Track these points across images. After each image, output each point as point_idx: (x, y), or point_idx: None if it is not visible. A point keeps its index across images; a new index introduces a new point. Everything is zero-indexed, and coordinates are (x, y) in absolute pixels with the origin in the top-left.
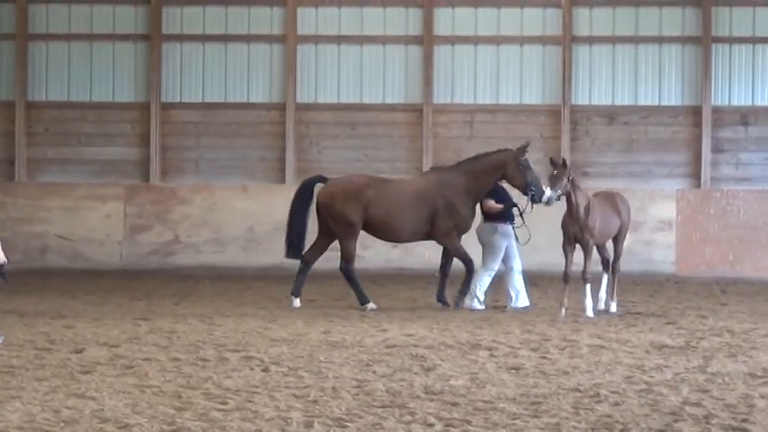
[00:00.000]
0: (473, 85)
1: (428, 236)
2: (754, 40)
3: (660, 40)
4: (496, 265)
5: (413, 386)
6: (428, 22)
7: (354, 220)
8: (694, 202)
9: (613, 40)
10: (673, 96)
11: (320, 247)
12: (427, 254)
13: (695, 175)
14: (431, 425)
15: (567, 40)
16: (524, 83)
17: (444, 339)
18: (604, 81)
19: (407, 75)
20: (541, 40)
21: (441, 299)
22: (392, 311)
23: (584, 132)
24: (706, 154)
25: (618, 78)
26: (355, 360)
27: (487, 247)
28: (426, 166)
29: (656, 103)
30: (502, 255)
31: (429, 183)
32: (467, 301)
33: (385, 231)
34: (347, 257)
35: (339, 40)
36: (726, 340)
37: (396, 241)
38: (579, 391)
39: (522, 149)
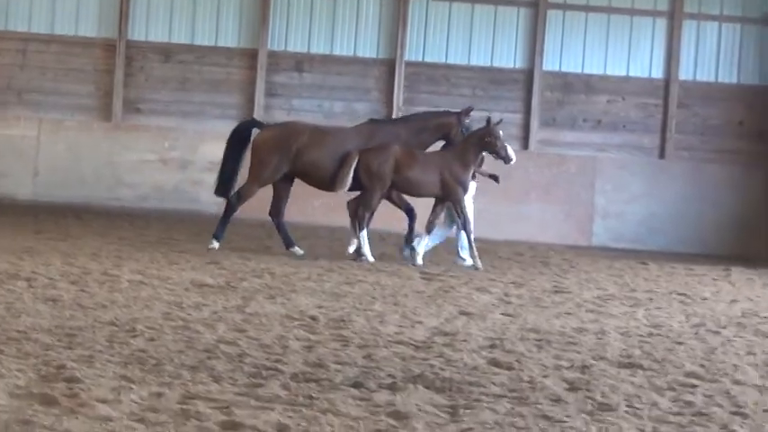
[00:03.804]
0: (28, 13)
1: (359, 187)
2: None
3: None
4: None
5: None
6: None
7: (275, 171)
8: None
9: None
10: (229, 38)
11: (281, 196)
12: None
13: (247, 117)
14: None
15: None
16: (81, 13)
17: None
18: (162, 18)
19: None
20: None
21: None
22: None
23: (138, 68)
24: (259, 97)
25: (175, 17)
26: None
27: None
28: None
29: (213, 44)
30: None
31: (365, 134)
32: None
33: (314, 179)
34: (243, 195)
35: None
36: (266, 282)
37: (326, 190)
38: (115, 325)
39: (467, 112)
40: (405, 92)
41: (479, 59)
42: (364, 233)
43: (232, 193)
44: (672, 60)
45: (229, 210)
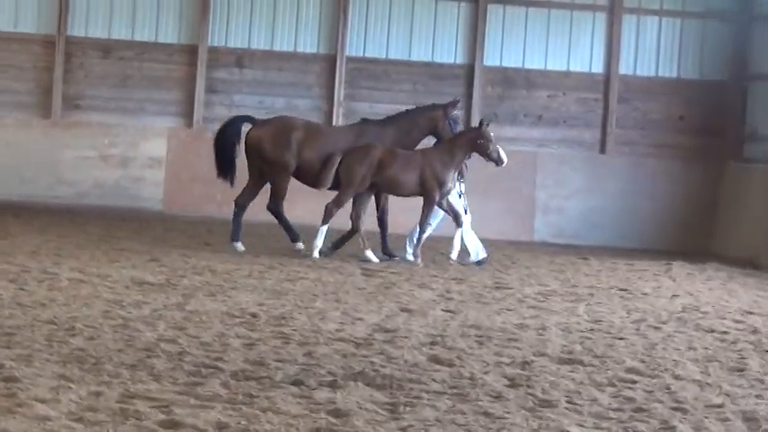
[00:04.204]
0: None
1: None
2: None
3: None
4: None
5: None
6: None
7: (288, 160)
8: (185, 141)
9: None
10: (170, 34)
11: (252, 189)
12: None
13: (188, 114)
14: None
15: None
16: (20, 10)
17: None
18: (101, 14)
19: None
20: None
21: (387, 252)
22: None
23: (78, 65)
24: (200, 94)
25: (115, 13)
26: None
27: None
28: None
29: (153, 40)
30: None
31: (357, 133)
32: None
33: (310, 176)
34: (277, 197)
35: None
36: (207, 279)
37: (318, 187)
38: (54, 323)
39: (453, 105)
40: (345, 87)
41: (420, 55)
42: (325, 228)
43: (234, 177)
44: (612, 55)
45: (279, 216)
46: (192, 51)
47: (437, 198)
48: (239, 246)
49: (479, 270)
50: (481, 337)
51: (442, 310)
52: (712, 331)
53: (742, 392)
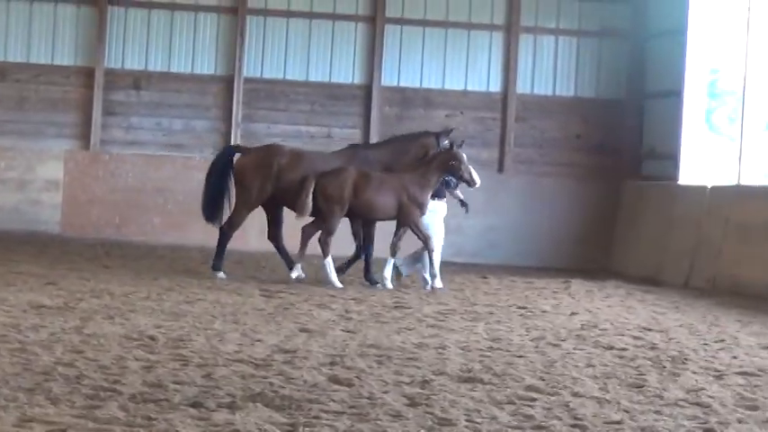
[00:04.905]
0: None
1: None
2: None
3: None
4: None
5: None
6: None
7: (261, 191)
8: (83, 164)
9: None
10: (66, 56)
11: (276, 221)
12: None
13: (85, 137)
14: None
15: None
16: None
17: None
18: None
19: None
20: None
21: (368, 278)
22: None
23: None
24: (97, 116)
25: (11, 35)
26: None
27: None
28: None
29: (50, 62)
30: (435, 230)
31: (346, 159)
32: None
33: (291, 202)
34: (232, 223)
35: None
36: (105, 302)
37: (299, 215)
38: None
39: (446, 133)
40: (243, 108)
41: (318, 75)
42: (329, 259)
43: (220, 218)
44: (509, 74)
45: (223, 239)
46: (88, 74)
47: (420, 219)
48: (299, 273)
49: (379, 290)
50: (380, 356)
51: (342, 330)
52: (611, 348)
53: (641, 408)
